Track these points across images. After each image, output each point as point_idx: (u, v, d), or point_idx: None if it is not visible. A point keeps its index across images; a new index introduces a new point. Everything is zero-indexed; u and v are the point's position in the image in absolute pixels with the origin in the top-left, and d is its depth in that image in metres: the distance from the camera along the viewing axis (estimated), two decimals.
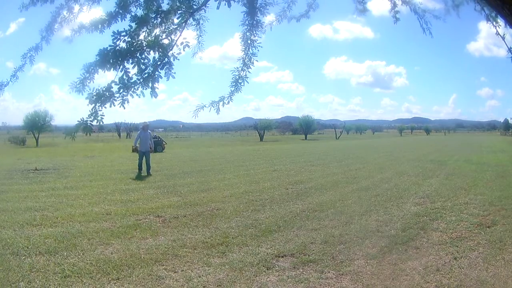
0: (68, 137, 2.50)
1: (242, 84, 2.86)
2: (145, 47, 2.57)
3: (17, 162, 14.87)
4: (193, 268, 3.83)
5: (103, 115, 2.49)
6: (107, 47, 2.47)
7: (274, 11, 3.54)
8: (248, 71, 2.89)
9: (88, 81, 2.49)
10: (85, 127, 2.48)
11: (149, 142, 11.46)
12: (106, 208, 6.45)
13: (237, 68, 2.88)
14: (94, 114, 2.47)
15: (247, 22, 2.83)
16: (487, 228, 5.21)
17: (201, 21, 3.09)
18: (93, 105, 2.45)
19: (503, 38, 2.81)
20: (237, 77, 2.86)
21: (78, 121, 2.46)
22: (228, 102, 2.82)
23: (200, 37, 3.23)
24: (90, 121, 2.47)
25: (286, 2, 3.54)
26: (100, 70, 2.50)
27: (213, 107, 2.76)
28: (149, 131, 11.84)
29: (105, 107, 2.48)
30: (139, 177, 10.26)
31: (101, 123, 2.50)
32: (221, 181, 9.66)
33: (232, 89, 2.85)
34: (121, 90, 2.51)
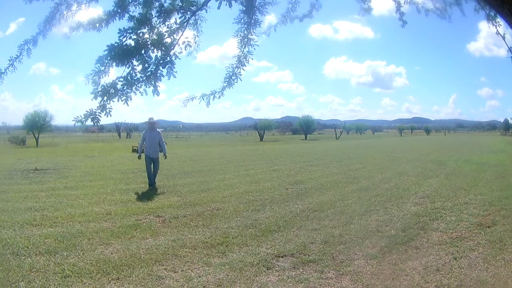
0: (78, 123, 2.54)
1: (235, 81, 2.87)
2: (149, 45, 2.61)
3: (17, 162, 14.86)
4: (193, 268, 3.83)
5: (111, 109, 2.55)
6: (114, 43, 2.53)
7: (278, 12, 3.54)
8: (243, 69, 2.90)
9: (103, 74, 2.56)
10: (93, 118, 2.53)
11: (159, 145, 8.84)
12: (106, 208, 6.45)
13: (231, 65, 2.89)
14: (103, 106, 2.53)
15: (244, 21, 2.84)
16: (487, 228, 5.21)
17: (198, 22, 3.09)
18: (101, 98, 2.52)
19: (503, 37, 2.81)
20: (230, 73, 2.87)
21: (86, 111, 2.51)
22: (219, 97, 2.84)
23: (197, 38, 3.23)
24: (98, 113, 2.53)
25: (290, 3, 3.54)
26: (113, 64, 2.57)
27: (204, 100, 2.78)
28: (157, 129, 9.06)
29: (113, 101, 2.55)
30: (140, 179, 10.23)
31: (109, 116, 2.56)
32: (221, 181, 9.66)
33: (225, 84, 2.86)
34: (125, 87, 2.57)
